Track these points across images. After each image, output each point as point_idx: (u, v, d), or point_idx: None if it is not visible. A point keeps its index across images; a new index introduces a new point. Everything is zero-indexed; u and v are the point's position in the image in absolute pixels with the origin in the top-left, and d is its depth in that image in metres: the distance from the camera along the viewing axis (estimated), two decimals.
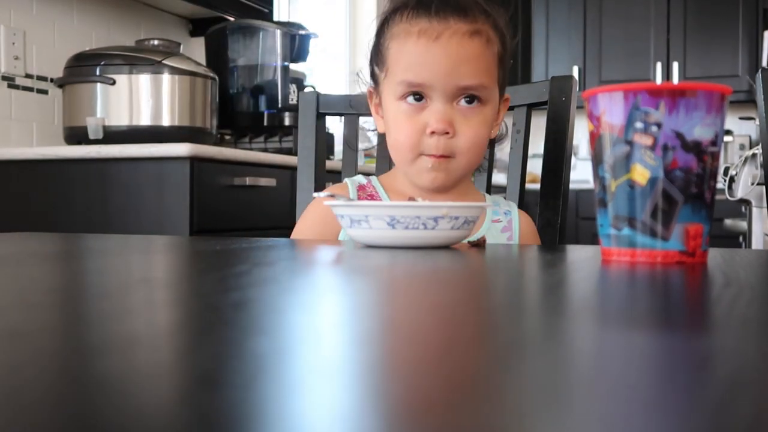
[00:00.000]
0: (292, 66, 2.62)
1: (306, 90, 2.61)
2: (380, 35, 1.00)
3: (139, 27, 2.62)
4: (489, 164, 1.16)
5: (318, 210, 0.99)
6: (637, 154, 0.57)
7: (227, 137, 2.59)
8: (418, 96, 0.95)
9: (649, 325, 0.31)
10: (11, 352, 0.24)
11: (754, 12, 4.52)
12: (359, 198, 1.00)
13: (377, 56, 1.00)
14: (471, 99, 0.95)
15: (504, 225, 1.02)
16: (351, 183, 1.02)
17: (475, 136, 0.95)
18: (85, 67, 2.11)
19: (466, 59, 0.93)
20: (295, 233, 1.01)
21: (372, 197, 1.00)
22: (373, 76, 1.03)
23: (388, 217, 0.70)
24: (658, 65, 4.67)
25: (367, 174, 1.08)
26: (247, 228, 2.01)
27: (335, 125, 2.76)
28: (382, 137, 1.13)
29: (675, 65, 4.64)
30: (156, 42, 2.26)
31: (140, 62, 2.08)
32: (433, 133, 0.94)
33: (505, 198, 1.10)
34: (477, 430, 0.16)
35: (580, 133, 4.13)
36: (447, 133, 0.94)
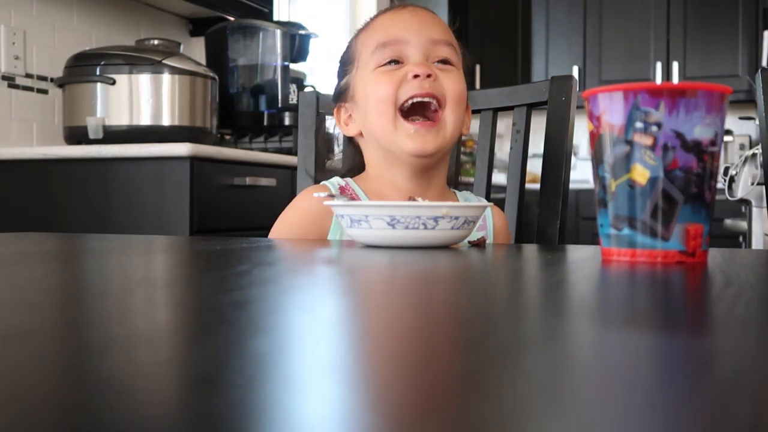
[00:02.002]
0: (292, 66, 2.62)
1: (306, 90, 2.61)
2: (343, 53, 1.04)
3: (139, 27, 2.62)
4: (456, 163, 1.16)
5: (306, 205, 0.98)
6: (637, 154, 0.57)
7: (227, 137, 2.59)
8: (395, 61, 0.96)
9: (649, 325, 0.31)
10: (11, 352, 0.24)
11: (754, 12, 4.52)
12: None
13: (343, 67, 1.03)
14: (444, 62, 0.97)
15: (479, 223, 1.01)
16: (331, 185, 1.00)
17: (458, 85, 0.97)
18: (85, 67, 2.11)
19: (432, 20, 1.01)
20: (279, 225, 0.99)
21: (353, 199, 0.99)
22: (339, 95, 1.03)
23: (388, 217, 0.70)
24: (658, 65, 4.67)
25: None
26: (247, 228, 2.01)
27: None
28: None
29: (675, 65, 4.64)
30: (156, 42, 2.26)
31: (140, 62, 2.08)
32: (416, 77, 0.93)
33: (472, 192, 1.09)
34: (477, 430, 0.16)
35: (580, 133, 4.13)
36: (429, 76, 0.94)
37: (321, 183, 1.03)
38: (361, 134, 1.01)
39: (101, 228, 1.90)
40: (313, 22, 3.31)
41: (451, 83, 0.96)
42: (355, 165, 1.05)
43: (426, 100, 0.94)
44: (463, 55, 1.02)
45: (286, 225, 0.98)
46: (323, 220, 0.96)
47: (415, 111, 0.94)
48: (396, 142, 0.95)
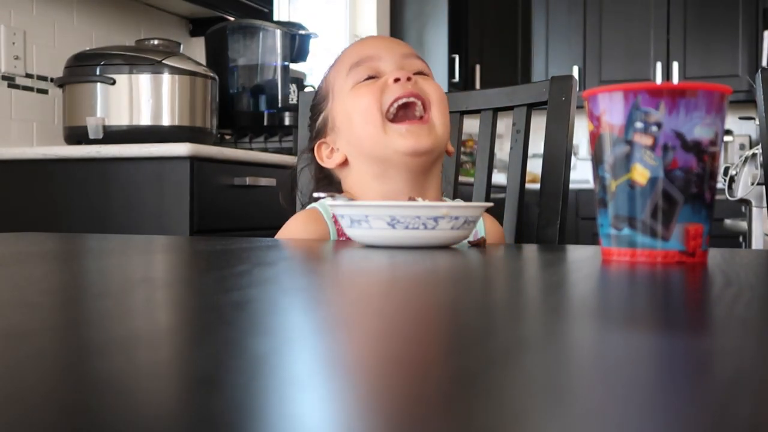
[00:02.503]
0: (292, 66, 2.62)
1: (306, 90, 2.61)
2: (314, 97, 1.05)
3: (139, 27, 2.62)
4: (455, 180, 1.16)
5: (297, 233, 0.93)
6: (637, 154, 0.57)
7: (227, 137, 2.59)
8: (372, 77, 0.95)
9: (649, 325, 0.31)
10: (11, 352, 0.24)
11: (754, 12, 4.52)
12: (336, 224, 0.93)
13: (317, 105, 1.02)
14: (419, 74, 0.97)
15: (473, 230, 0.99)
16: (322, 208, 0.95)
17: (438, 89, 0.96)
18: (85, 67, 2.11)
19: (400, 42, 1.02)
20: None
21: None
22: (318, 132, 1.01)
23: (388, 217, 0.70)
24: (658, 65, 4.67)
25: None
26: (247, 228, 2.01)
27: None
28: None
29: (675, 65, 4.64)
30: (156, 42, 2.26)
31: (140, 62, 2.08)
32: (396, 80, 0.92)
33: (461, 200, 1.06)
34: (477, 430, 0.16)
35: (580, 133, 4.13)
36: (409, 79, 0.93)
37: (310, 206, 0.97)
38: (346, 161, 0.97)
39: (101, 228, 1.90)
40: (313, 22, 3.31)
41: (431, 87, 0.96)
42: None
43: (411, 100, 0.92)
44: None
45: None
46: (321, 238, 0.92)
47: (400, 117, 0.93)
48: (389, 146, 0.92)
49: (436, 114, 0.94)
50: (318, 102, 1.03)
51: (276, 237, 0.95)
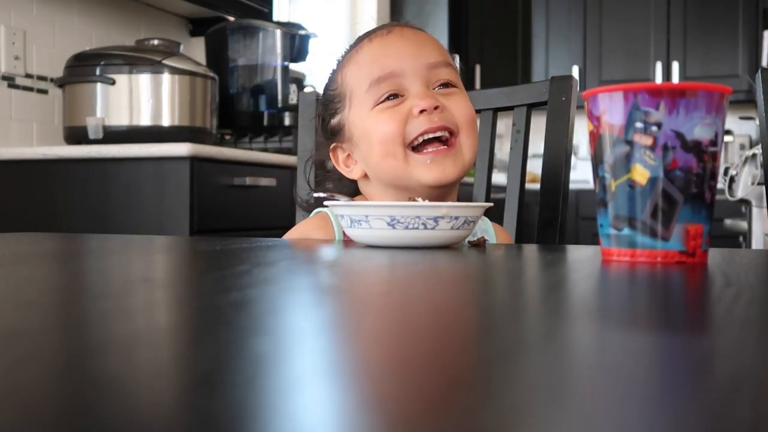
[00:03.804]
0: (292, 66, 2.62)
1: (306, 90, 2.61)
2: (326, 90, 0.97)
3: (139, 27, 2.62)
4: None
5: (310, 234, 0.91)
6: (637, 154, 0.57)
7: (227, 137, 2.59)
8: (394, 95, 0.88)
9: (649, 325, 0.31)
10: (11, 352, 0.24)
11: (754, 12, 4.52)
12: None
13: (331, 104, 0.95)
14: (445, 85, 0.91)
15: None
16: (330, 213, 0.92)
17: (467, 107, 0.90)
18: (85, 67, 2.11)
19: (424, 40, 0.93)
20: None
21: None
22: (331, 132, 0.95)
23: (388, 217, 0.70)
24: (658, 65, 4.67)
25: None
26: (247, 228, 2.01)
27: None
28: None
29: (675, 65, 4.64)
30: (156, 42, 2.26)
31: (140, 62, 2.08)
32: (422, 112, 0.86)
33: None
34: (477, 430, 0.16)
35: (580, 133, 4.13)
36: (436, 108, 0.87)
37: (317, 211, 0.95)
38: (365, 176, 0.93)
39: (101, 228, 1.90)
40: (313, 22, 3.31)
41: (459, 108, 0.89)
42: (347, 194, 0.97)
43: (438, 134, 0.87)
44: (459, 67, 0.96)
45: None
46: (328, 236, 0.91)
47: (425, 144, 0.87)
48: (413, 177, 0.87)
49: (464, 138, 0.89)
50: (333, 99, 0.95)
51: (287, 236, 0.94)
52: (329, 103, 0.96)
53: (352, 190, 0.98)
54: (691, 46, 4.64)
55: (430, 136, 0.87)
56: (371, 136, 0.89)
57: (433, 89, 0.90)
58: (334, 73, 0.96)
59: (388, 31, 0.92)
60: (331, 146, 0.96)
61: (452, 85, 0.92)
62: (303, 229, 0.94)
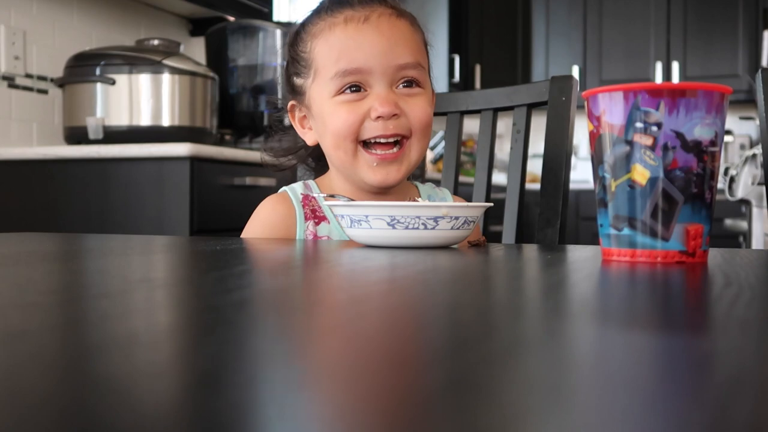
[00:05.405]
0: None
1: None
2: (297, 43, 0.96)
3: (139, 27, 2.62)
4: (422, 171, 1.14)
5: (266, 214, 0.96)
6: (637, 154, 0.57)
7: (227, 137, 2.59)
8: (356, 87, 0.90)
9: (649, 325, 0.31)
10: (11, 352, 0.24)
11: (754, 12, 4.52)
12: (304, 207, 0.95)
13: (298, 64, 0.95)
14: (409, 83, 0.92)
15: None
16: (292, 192, 0.96)
17: (424, 113, 0.92)
18: (85, 67, 2.11)
19: (399, 37, 0.91)
20: (245, 237, 0.96)
21: (315, 211, 0.95)
22: (293, 89, 0.97)
23: (389, 217, 0.70)
24: (658, 65, 4.67)
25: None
26: None
27: None
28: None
29: (675, 65, 4.64)
30: (156, 42, 2.26)
31: (140, 62, 2.08)
32: (379, 117, 0.88)
33: (434, 186, 1.07)
34: (477, 430, 0.16)
35: (580, 133, 4.13)
36: (395, 115, 0.89)
37: (281, 190, 0.99)
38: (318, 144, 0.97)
39: (101, 228, 1.90)
40: None
41: (416, 113, 0.91)
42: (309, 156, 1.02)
43: (391, 140, 0.90)
44: (422, 33, 0.96)
45: (250, 235, 0.96)
46: (288, 221, 0.94)
47: (376, 144, 0.91)
48: (357, 174, 0.92)
49: (415, 142, 0.92)
50: (299, 61, 0.95)
51: (250, 219, 0.98)
52: (295, 61, 0.96)
53: (304, 156, 1.03)
54: (691, 46, 4.64)
55: (382, 141, 0.90)
56: (327, 124, 0.92)
57: (397, 87, 0.91)
58: (306, 33, 0.95)
59: (365, 18, 0.91)
60: (289, 104, 0.99)
61: (417, 84, 0.93)
62: (263, 207, 0.97)
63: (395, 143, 0.91)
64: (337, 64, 0.90)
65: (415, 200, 0.85)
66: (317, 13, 0.94)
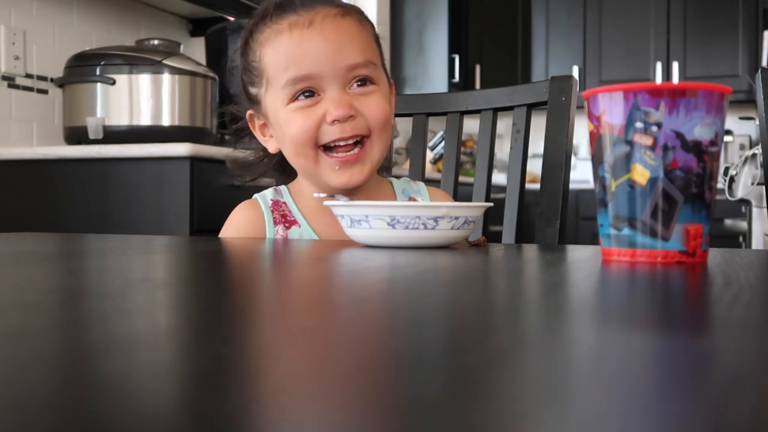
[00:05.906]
0: None
1: None
2: (247, 53, 0.95)
3: (139, 27, 2.62)
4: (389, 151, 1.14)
5: (238, 218, 0.98)
6: (637, 154, 0.57)
7: (227, 137, 2.59)
8: (309, 92, 0.90)
9: (649, 325, 0.31)
10: (11, 352, 0.24)
11: (754, 12, 4.52)
12: (273, 213, 0.96)
13: (251, 74, 0.95)
14: (363, 81, 0.91)
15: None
16: (262, 200, 0.98)
17: (380, 111, 0.91)
18: (85, 67, 2.11)
19: (346, 38, 0.90)
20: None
21: (285, 216, 0.96)
22: (249, 98, 0.96)
23: (389, 217, 0.70)
24: (658, 65, 4.67)
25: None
26: None
27: None
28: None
29: (675, 65, 4.64)
30: (156, 42, 2.26)
31: (140, 62, 2.08)
32: (335, 121, 0.88)
33: (408, 180, 1.07)
34: (477, 430, 0.16)
35: (580, 133, 4.13)
36: (351, 116, 0.89)
37: (253, 197, 1.00)
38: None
39: (101, 228, 1.90)
40: None
41: (373, 111, 0.91)
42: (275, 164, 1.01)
43: (350, 142, 0.90)
44: (371, 27, 0.95)
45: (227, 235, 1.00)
46: (258, 225, 0.96)
47: (336, 147, 0.91)
48: (321, 178, 0.92)
49: (375, 141, 0.92)
50: (251, 70, 0.94)
51: (225, 223, 1.00)
52: (248, 71, 0.96)
53: (265, 169, 1.02)
54: (691, 46, 4.64)
55: (342, 143, 0.90)
56: (284, 132, 0.92)
57: (351, 87, 0.91)
58: (253, 41, 0.94)
59: (309, 23, 0.89)
60: (248, 113, 0.99)
61: (371, 82, 0.92)
62: (235, 213, 0.99)
63: (355, 144, 0.91)
64: (287, 72, 0.89)
65: (414, 200, 0.85)
66: (262, 19, 0.93)
